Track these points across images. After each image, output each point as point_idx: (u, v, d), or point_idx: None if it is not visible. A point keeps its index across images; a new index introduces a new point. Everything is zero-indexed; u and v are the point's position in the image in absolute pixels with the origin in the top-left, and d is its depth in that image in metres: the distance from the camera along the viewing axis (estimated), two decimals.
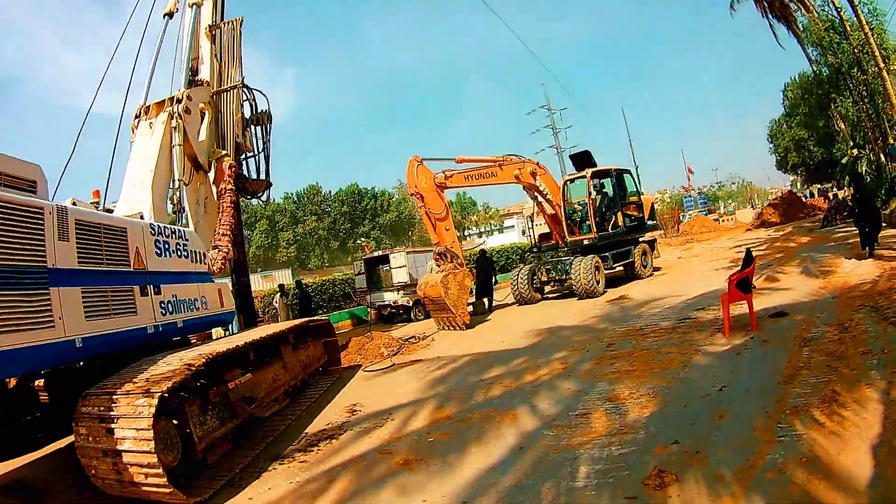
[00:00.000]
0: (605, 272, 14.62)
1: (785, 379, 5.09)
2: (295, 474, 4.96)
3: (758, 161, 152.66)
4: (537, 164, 15.50)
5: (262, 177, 10.72)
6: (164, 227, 6.80)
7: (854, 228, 13.13)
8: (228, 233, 8.60)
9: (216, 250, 8.14)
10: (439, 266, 12.70)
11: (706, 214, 55.75)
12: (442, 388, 7.29)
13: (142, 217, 7.02)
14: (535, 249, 17.09)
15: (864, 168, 22.76)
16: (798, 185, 66.19)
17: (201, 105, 9.49)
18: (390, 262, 17.29)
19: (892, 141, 18.73)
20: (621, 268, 15.99)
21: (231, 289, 9.44)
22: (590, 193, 14.94)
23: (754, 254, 8.46)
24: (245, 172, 10.30)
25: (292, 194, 61.68)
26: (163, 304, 6.32)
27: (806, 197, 46.52)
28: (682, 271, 16.21)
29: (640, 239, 16.66)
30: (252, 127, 10.55)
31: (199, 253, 7.50)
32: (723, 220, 47.93)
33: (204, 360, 5.10)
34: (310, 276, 31.87)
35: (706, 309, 9.11)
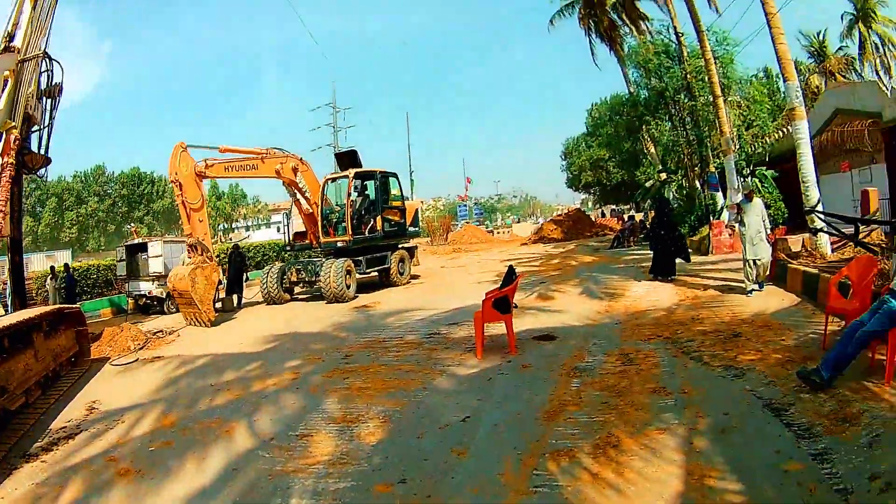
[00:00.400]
0: (360, 276, 14.62)
1: (546, 414, 4.45)
2: (37, 474, 4.58)
3: (547, 177, 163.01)
4: (300, 159, 15.09)
5: (44, 152, 10.29)
6: None
7: (650, 252, 12.28)
8: (4, 207, 8.27)
9: None
10: (191, 258, 12.34)
11: (479, 225, 57.95)
12: (172, 391, 6.89)
13: None
14: (288, 248, 16.64)
15: (671, 193, 23.52)
16: (589, 203, 70.14)
17: (5, 73, 9.13)
18: (148, 251, 16.28)
19: (712, 169, 19.12)
20: (376, 273, 15.78)
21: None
22: (349, 194, 14.73)
23: (524, 269, 8.43)
24: (34, 147, 9.97)
25: (80, 173, 58.14)
26: None
27: (600, 216, 49.58)
28: (442, 281, 16.39)
29: (400, 245, 16.78)
30: (43, 99, 10.15)
31: None
32: (498, 233, 49.79)
33: None
34: (88, 259, 29.42)
35: (460, 325, 8.77)
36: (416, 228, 17.80)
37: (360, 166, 15.97)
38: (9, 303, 11.05)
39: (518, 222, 69.95)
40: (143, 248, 16.76)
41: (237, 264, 15.61)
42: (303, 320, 11.56)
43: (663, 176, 24.82)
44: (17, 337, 6.66)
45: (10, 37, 9.95)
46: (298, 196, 15.52)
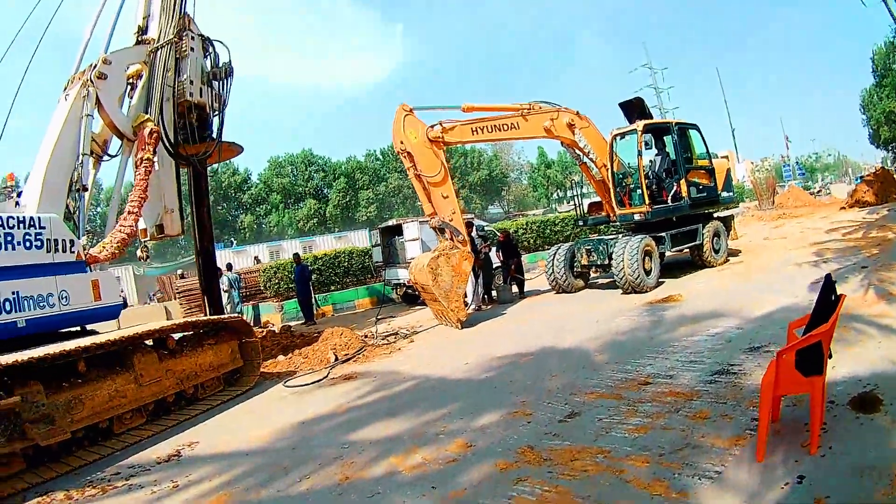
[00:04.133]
0: (670, 255, 11.45)
1: None
2: None
3: (851, 133, 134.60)
4: (577, 113, 11.86)
5: (215, 136, 9.81)
6: (8, 217, 6.25)
7: None
8: (136, 210, 7.83)
9: (112, 234, 7.47)
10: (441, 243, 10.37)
11: (802, 187, 49.80)
12: (294, 442, 5.49)
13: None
14: (581, 223, 13.63)
15: None
16: (888, 162, 60.44)
17: (136, 66, 8.89)
18: (403, 234, 14.74)
19: None
20: (688, 251, 12.33)
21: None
22: (639, 152, 11.26)
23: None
24: (212, 134, 9.75)
25: (375, 151, 59.20)
26: None
27: None
28: (763, 261, 12.03)
29: (714, 215, 12.94)
30: (214, 83, 9.73)
31: (62, 241, 6.74)
32: (820, 195, 41.34)
33: None
34: (350, 244, 30.35)
35: (764, 350, 5.65)
36: (730, 194, 13.45)
37: (650, 117, 12.41)
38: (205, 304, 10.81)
39: (832, 183, 59.54)
40: (398, 230, 15.23)
41: (510, 254, 13.43)
42: (574, 324, 8.98)
43: None
44: (98, 360, 6.26)
45: (143, 30, 9.59)
46: (583, 158, 12.40)
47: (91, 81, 7.83)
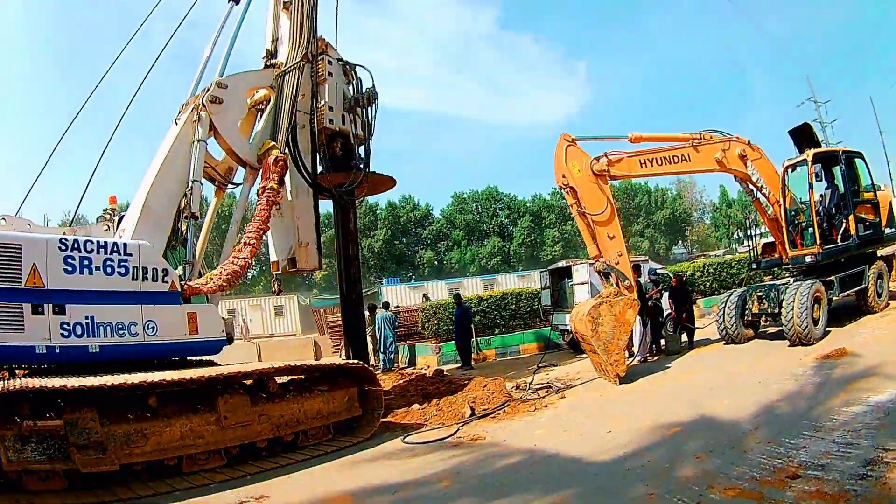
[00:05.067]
0: (836, 300, 10.06)
1: None
2: None
3: None
4: (748, 143, 10.69)
5: (362, 166, 9.40)
6: (87, 240, 6.22)
7: None
8: (253, 241, 7.49)
9: (223, 266, 7.25)
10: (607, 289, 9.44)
11: None
12: None
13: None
14: (754, 265, 12.31)
15: None
16: None
17: (263, 92, 8.70)
18: (573, 276, 13.72)
19: None
20: (853, 294, 10.78)
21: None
22: (810, 185, 9.96)
23: None
24: (360, 164, 9.36)
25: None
26: (65, 325, 5.87)
27: None
28: None
29: (878, 254, 11.54)
30: (359, 110, 9.40)
31: (153, 269, 6.61)
32: None
33: None
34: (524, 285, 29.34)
35: None
36: (894, 230, 11.62)
37: (818, 145, 10.95)
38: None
39: None
40: (567, 273, 14.16)
41: (682, 299, 12.08)
42: (736, 382, 8.10)
43: None
44: (173, 396, 6.03)
45: (271, 54, 9.44)
46: (756, 193, 11.25)
47: (203, 105, 7.60)
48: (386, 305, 16.33)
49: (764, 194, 10.90)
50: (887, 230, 11.22)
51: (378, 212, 54.36)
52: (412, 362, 15.57)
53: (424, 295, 28.43)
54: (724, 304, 11.26)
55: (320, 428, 7.15)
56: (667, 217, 56.65)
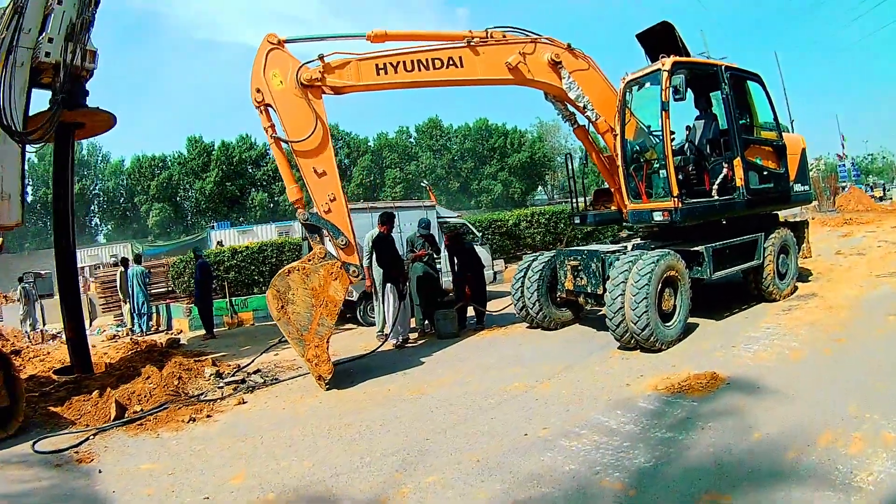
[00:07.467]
0: (719, 275, 6.88)
1: None
2: None
3: None
4: (567, 46, 7.46)
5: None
6: None
7: None
8: None
9: None
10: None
11: (863, 189, 44.17)
12: None
13: None
14: (576, 220, 8.79)
15: None
16: None
17: None
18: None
19: None
20: (741, 274, 7.64)
21: None
22: (664, 106, 6.63)
23: None
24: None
25: (406, 128, 55.85)
26: None
27: None
28: (846, 296, 7.61)
29: (781, 219, 8.65)
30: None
31: None
32: (883, 200, 36.03)
33: None
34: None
35: None
36: (807, 188, 8.82)
37: (684, 52, 7.63)
38: None
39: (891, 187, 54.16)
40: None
41: (464, 259, 9.29)
42: (499, 418, 4.88)
43: None
44: None
45: None
46: (580, 118, 8.16)
47: None
48: (138, 259, 14.16)
49: (591, 119, 7.60)
50: (797, 187, 8.29)
51: (212, 152, 50.87)
52: (170, 326, 13.70)
53: (219, 242, 25.79)
54: (521, 275, 8.22)
55: None
56: (524, 161, 54.30)
